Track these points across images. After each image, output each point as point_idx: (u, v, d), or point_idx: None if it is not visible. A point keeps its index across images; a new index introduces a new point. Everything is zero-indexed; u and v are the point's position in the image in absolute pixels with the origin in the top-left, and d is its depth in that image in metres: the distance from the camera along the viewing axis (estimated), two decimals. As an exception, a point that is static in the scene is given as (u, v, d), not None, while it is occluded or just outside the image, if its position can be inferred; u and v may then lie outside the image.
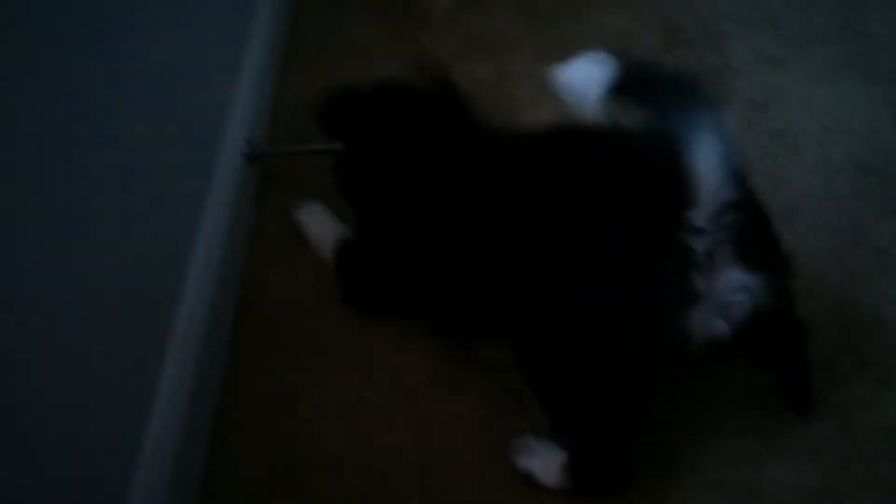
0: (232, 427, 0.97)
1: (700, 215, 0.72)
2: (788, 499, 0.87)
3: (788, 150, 1.28)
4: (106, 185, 0.77)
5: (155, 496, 0.80)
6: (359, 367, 1.02)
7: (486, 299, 0.89)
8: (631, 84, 0.75)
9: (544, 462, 0.88)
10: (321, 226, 1.17)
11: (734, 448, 0.92)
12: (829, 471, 0.89)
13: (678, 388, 0.95)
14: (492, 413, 0.96)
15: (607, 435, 0.85)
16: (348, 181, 1.11)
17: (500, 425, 0.95)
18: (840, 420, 0.93)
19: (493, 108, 1.37)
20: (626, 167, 0.77)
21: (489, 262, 0.87)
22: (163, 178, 0.93)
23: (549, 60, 1.19)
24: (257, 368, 1.03)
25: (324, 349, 1.04)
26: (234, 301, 1.10)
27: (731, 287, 0.74)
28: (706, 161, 0.70)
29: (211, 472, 0.92)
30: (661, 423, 0.93)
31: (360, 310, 1.08)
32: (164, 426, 0.84)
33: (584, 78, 0.76)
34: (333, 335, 1.06)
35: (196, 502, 0.89)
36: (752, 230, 0.75)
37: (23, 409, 0.61)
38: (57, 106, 0.68)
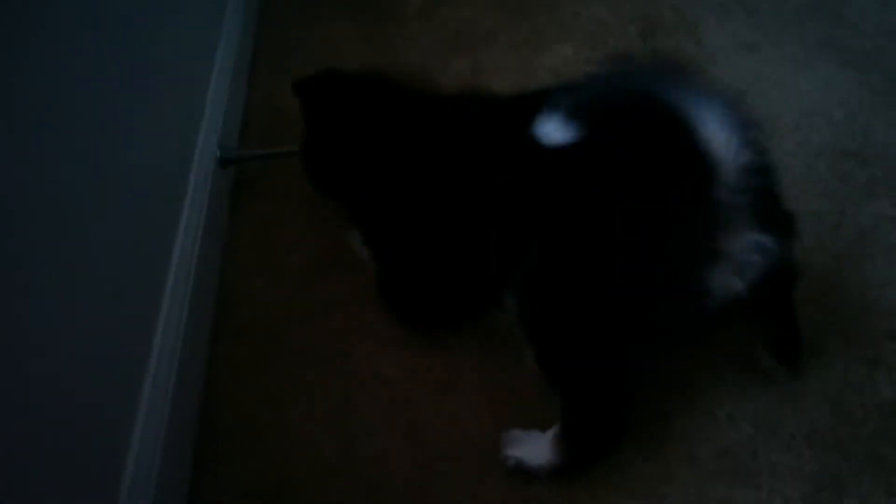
0: (217, 440, 0.93)
1: (722, 177, 0.74)
2: (787, 484, 0.86)
3: (768, 135, 1.27)
4: (78, 195, 0.74)
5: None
6: (344, 372, 1.00)
7: (501, 260, 0.86)
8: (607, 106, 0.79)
9: (533, 445, 0.87)
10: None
11: (730, 435, 0.91)
12: (827, 454, 0.88)
13: (674, 367, 0.94)
14: (483, 412, 0.94)
15: (608, 394, 0.84)
16: (320, 161, 1.06)
17: (491, 425, 0.93)
18: (833, 403, 0.93)
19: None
20: (647, 128, 0.77)
21: (508, 219, 0.84)
22: (136, 186, 0.90)
23: (525, 52, 1.21)
24: (240, 379, 1.00)
25: (308, 356, 1.02)
26: (211, 310, 1.07)
27: (748, 247, 0.76)
28: (720, 126, 0.73)
29: (196, 488, 0.89)
30: (654, 411, 0.92)
31: (419, 326, 1.02)
32: (147, 441, 0.81)
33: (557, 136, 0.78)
34: (316, 340, 1.03)
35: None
36: (765, 191, 0.77)
37: (5, 429, 0.58)
38: (24, 111, 0.65)
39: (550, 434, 0.87)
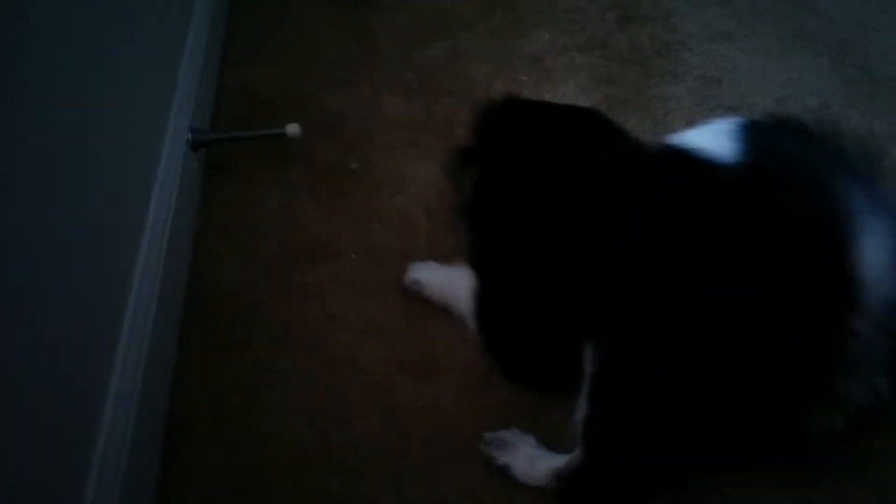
0: (187, 427, 0.91)
1: (865, 307, 0.60)
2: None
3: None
4: (45, 177, 0.71)
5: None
6: (320, 359, 0.97)
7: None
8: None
9: (528, 461, 0.84)
10: (446, 279, 0.98)
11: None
12: None
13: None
14: (461, 399, 0.93)
15: (639, 480, 0.75)
16: (488, 197, 0.94)
17: (470, 411, 0.92)
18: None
19: (447, 88, 1.35)
20: (791, 226, 0.63)
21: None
22: (105, 168, 0.86)
23: (502, 38, 1.17)
24: (212, 366, 0.97)
25: (282, 342, 0.99)
26: (182, 296, 1.04)
27: (866, 392, 0.65)
28: (877, 252, 0.59)
29: (166, 474, 0.86)
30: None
31: (526, 381, 0.90)
32: (116, 427, 0.78)
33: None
34: (292, 327, 1.01)
35: (151, 510, 0.83)
36: None
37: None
38: None
39: (555, 462, 0.81)
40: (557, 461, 0.83)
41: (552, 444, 0.87)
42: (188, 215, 1.12)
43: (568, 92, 1.33)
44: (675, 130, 0.88)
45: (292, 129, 1.18)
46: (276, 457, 0.88)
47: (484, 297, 0.91)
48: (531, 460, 0.84)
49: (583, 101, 1.31)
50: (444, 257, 1.07)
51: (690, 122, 1.15)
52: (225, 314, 1.02)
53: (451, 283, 0.98)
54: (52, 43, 0.75)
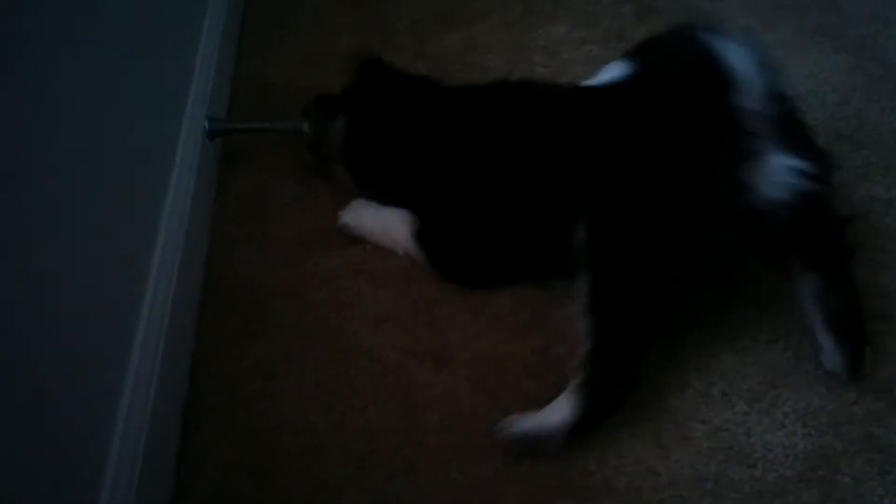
0: (204, 412, 0.91)
1: (744, 100, 0.84)
2: (781, 463, 0.86)
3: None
4: (65, 168, 0.71)
5: (126, 491, 0.74)
6: (335, 347, 0.97)
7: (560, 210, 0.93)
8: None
9: (539, 416, 0.87)
10: (380, 219, 1.09)
11: (724, 414, 0.90)
12: (821, 434, 0.88)
13: (670, 344, 0.94)
14: (475, 389, 0.93)
15: (638, 333, 0.88)
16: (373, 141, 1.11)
17: (484, 401, 0.92)
18: (827, 383, 0.93)
19: (462, 77, 1.34)
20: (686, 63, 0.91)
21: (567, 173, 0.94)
22: (123, 157, 0.87)
23: (518, 30, 1.19)
24: (227, 351, 0.97)
25: (297, 329, 0.99)
26: (200, 282, 1.04)
27: (781, 170, 0.84)
28: (738, 55, 0.86)
29: (185, 465, 0.86)
30: (648, 391, 0.92)
31: (468, 281, 1.04)
32: (134, 413, 0.78)
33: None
34: (306, 315, 1.01)
35: (170, 496, 0.83)
36: (791, 123, 0.88)
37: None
38: (9, 85, 0.62)
39: (559, 399, 0.86)
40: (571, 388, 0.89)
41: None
42: (205, 204, 1.12)
43: (585, 85, 1.32)
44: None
45: (310, 126, 1.17)
46: (291, 444, 0.88)
47: (425, 219, 1.06)
48: (541, 414, 0.87)
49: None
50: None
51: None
52: (240, 303, 1.03)
53: (380, 220, 1.09)
54: (68, 33, 0.75)
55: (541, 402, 0.89)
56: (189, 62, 1.19)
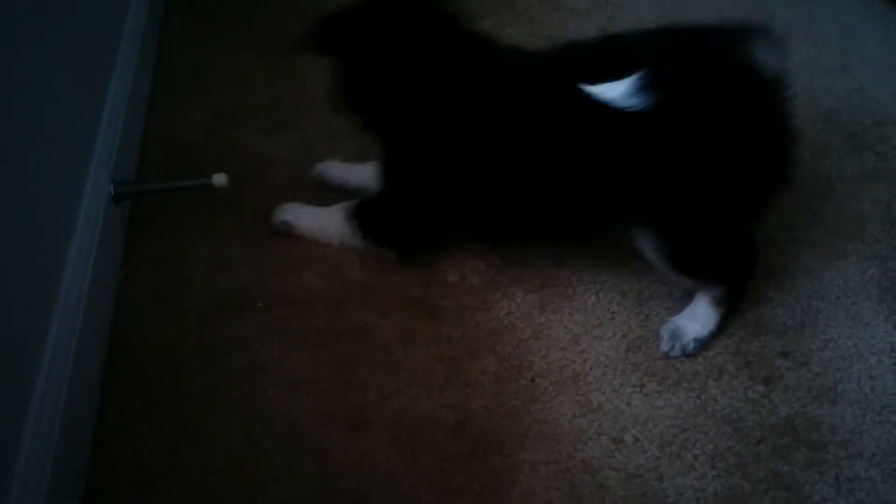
0: (110, 495, 0.87)
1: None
2: (693, 507, 0.88)
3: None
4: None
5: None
6: (248, 416, 0.95)
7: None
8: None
9: (697, 322, 1.04)
10: (315, 217, 1.17)
11: (637, 460, 0.92)
12: (729, 475, 0.90)
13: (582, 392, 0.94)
14: (394, 451, 0.92)
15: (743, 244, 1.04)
16: (358, 95, 1.09)
17: (402, 464, 0.91)
18: (733, 423, 0.96)
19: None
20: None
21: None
22: (15, 228, 0.83)
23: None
24: (134, 428, 0.93)
25: (208, 399, 0.97)
26: (103, 354, 1.00)
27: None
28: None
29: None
30: (564, 441, 0.92)
31: (408, 249, 1.13)
32: (27, 496, 0.74)
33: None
34: (218, 383, 0.98)
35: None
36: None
37: None
38: None
39: (704, 307, 1.04)
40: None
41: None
42: (109, 271, 1.09)
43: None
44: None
45: (219, 179, 1.16)
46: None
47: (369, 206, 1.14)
48: (696, 320, 1.04)
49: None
50: (380, 304, 1.07)
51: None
52: (148, 372, 1.00)
53: (320, 218, 1.16)
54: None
55: (459, 459, 0.88)
56: (93, 122, 1.16)
